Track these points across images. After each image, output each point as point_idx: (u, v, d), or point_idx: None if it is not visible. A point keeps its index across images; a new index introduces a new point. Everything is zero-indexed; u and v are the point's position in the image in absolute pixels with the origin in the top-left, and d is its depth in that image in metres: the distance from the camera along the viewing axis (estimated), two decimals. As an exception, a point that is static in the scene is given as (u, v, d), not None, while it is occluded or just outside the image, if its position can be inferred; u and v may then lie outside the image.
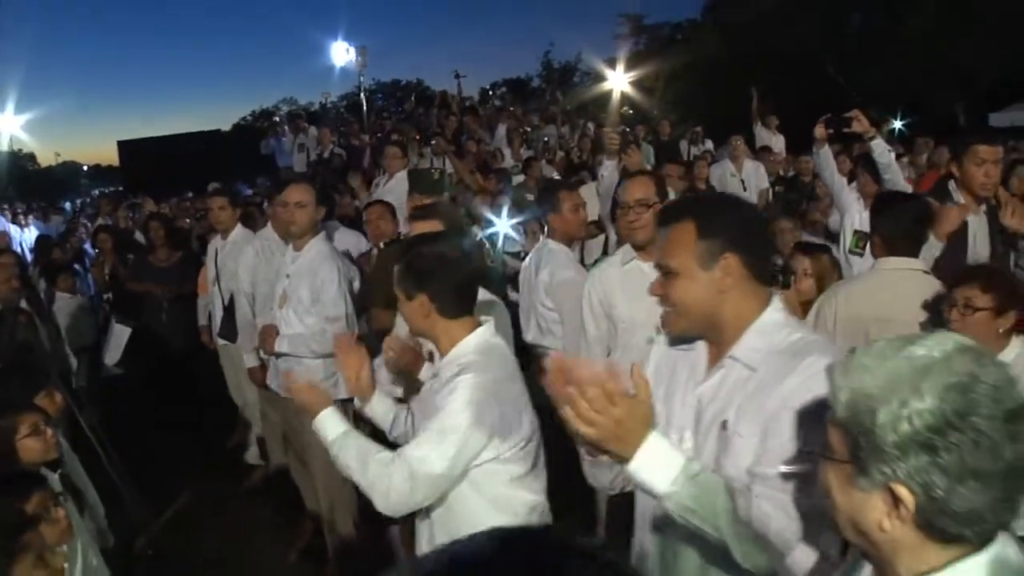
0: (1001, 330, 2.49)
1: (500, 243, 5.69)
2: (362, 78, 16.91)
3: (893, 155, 4.42)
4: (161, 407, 5.74)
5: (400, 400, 2.60)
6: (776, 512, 1.50)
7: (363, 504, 2.28)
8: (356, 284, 4.10)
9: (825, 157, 4.45)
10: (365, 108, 16.48)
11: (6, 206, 13.33)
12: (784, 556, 1.49)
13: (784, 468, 1.49)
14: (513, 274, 5.05)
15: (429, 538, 2.21)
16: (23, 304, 4.90)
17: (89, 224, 10.65)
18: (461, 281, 2.19)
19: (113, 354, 5.88)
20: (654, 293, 1.73)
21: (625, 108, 16.51)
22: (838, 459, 1.10)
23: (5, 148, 19.96)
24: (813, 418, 1.43)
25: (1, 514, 2.15)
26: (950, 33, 16.67)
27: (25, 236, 11.40)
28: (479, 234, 5.74)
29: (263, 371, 4.24)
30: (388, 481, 2.02)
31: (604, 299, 3.19)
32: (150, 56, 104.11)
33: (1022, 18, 15.36)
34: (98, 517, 3.05)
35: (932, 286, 2.82)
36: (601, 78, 15.58)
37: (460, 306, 2.18)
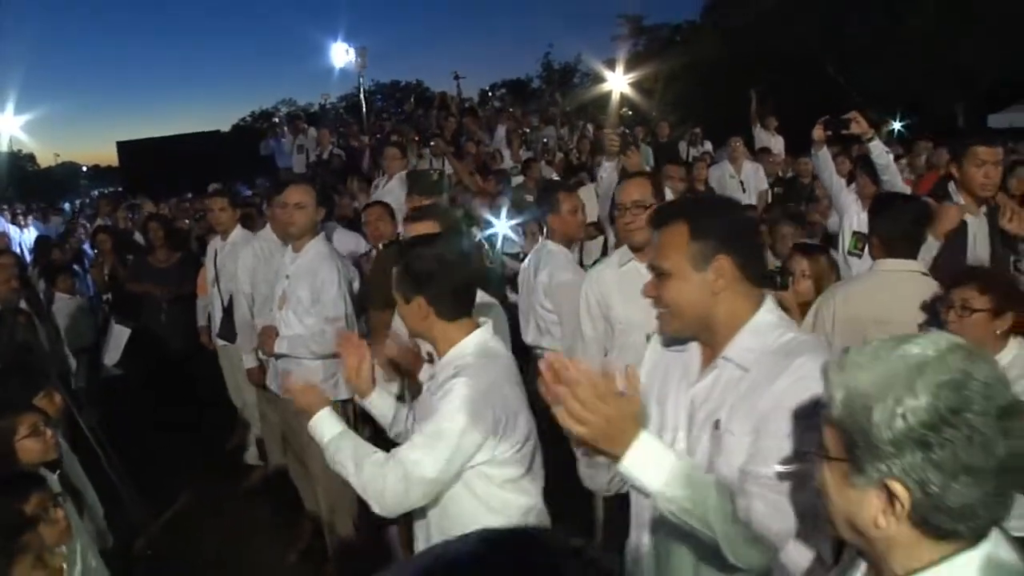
0: (998, 331, 2.49)
1: (499, 244, 5.70)
2: (361, 79, 16.88)
3: (892, 156, 4.42)
4: (160, 408, 5.74)
5: (399, 398, 2.60)
6: (769, 511, 1.51)
7: (362, 505, 2.28)
8: (356, 285, 4.10)
9: (824, 158, 4.46)
10: (364, 109, 16.45)
11: (5, 207, 13.28)
12: (777, 554, 1.50)
13: (777, 467, 1.50)
14: (512, 275, 5.05)
15: (426, 539, 2.21)
16: (22, 305, 4.91)
17: (88, 225, 10.62)
18: (459, 283, 2.19)
19: (112, 355, 5.89)
20: (647, 294, 1.75)
21: (624, 109, 16.56)
22: (833, 457, 1.10)
23: (5, 149, 19.93)
24: (805, 418, 1.45)
25: (0, 515, 2.15)
26: (950, 33, 16.67)
27: (24, 237, 11.37)
28: (478, 235, 5.74)
29: (262, 372, 4.26)
30: (383, 482, 2.03)
31: (601, 300, 3.19)
32: (150, 56, 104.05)
33: (1022, 18, 15.37)
34: (97, 518, 3.05)
35: (930, 287, 2.82)
36: (600, 79, 15.62)
37: (458, 308, 2.18)
